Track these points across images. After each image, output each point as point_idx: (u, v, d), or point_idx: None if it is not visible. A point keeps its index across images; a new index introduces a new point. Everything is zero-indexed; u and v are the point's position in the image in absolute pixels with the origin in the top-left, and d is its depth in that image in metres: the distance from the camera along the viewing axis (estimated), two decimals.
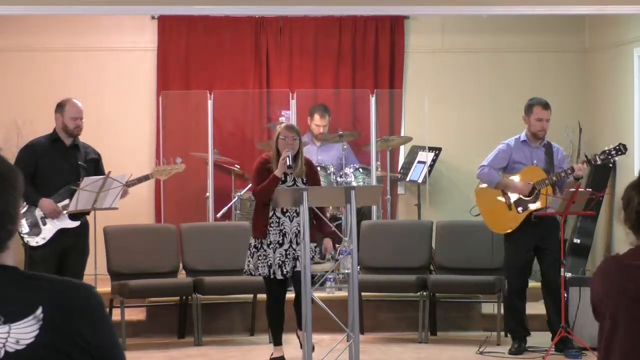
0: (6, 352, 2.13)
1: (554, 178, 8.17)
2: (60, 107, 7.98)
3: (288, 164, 7.54)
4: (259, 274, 7.69)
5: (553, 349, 8.02)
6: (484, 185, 8.44)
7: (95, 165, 8.07)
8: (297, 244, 7.58)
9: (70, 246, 7.82)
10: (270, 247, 7.63)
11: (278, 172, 7.61)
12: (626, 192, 3.12)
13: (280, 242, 7.63)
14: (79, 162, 7.93)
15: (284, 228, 7.65)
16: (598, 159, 8.14)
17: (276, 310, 7.81)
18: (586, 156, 8.23)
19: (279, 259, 7.62)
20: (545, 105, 8.30)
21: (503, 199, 8.30)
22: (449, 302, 9.27)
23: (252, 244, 7.73)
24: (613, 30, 10.54)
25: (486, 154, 8.46)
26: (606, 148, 8.18)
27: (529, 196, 8.23)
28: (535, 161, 8.30)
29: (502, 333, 8.74)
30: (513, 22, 10.97)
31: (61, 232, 7.79)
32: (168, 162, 8.49)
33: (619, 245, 9.59)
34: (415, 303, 8.93)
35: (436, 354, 8.32)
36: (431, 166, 10.55)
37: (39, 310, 2.15)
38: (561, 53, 11.15)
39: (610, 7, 8.91)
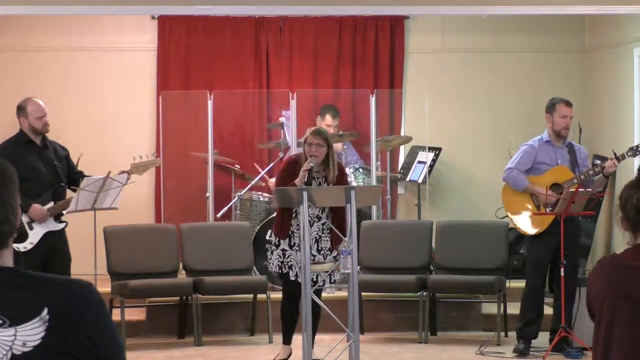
0: (13, 354, 2.11)
1: (582, 177, 8.11)
2: (22, 109, 7.80)
3: (305, 180, 7.25)
4: (281, 272, 7.54)
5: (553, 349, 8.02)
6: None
7: (67, 163, 7.99)
8: (318, 250, 7.49)
9: (53, 248, 7.78)
10: (294, 248, 7.47)
11: (298, 182, 7.33)
12: (624, 191, 3.10)
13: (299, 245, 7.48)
14: (55, 162, 7.85)
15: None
16: (626, 155, 8.12)
17: (290, 309, 7.70)
18: (615, 153, 8.13)
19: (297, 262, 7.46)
20: (568, 103, 8.26)
21: (531, 200, 8.19)
22: (449, 302, 9.27)
23: (273, 242, 7.59)
24: (613, 30, 10.53)
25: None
26: (633, 145, 8.20)
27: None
28: (559, 161, 8.23)
29: (502, 333, 8.75)
30: (513, 22, 10.96)
31: (47, 235, 7.76)
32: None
33: (619, 245, 9.58)
34: (415, 303, 8.92)
35: (436, 354, 8.32)
36: (431, 166, 10.54)
37: (45, 312, 2.13)
38: (561, 53, 11.14)
39: (610, 7, 8.91)
